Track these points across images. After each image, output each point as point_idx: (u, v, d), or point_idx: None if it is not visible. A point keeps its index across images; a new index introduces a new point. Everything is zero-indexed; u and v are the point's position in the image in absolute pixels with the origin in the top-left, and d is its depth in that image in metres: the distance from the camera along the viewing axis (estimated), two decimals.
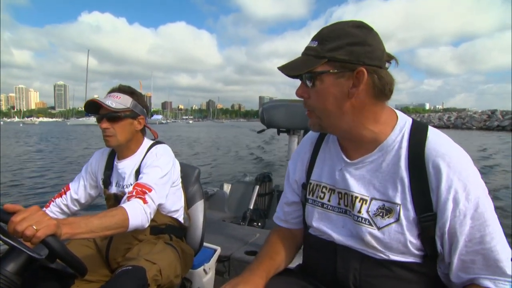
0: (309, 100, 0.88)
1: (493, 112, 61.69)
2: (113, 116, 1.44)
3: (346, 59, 0.79)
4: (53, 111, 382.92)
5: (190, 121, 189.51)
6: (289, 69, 0.86)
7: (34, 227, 0.87)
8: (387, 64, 0.85)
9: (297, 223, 1.13)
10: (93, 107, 1.45)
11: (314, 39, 0.85)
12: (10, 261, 0.90)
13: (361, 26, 0.83)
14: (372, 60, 0.80)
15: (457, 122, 61.14)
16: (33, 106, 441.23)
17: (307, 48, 0.85)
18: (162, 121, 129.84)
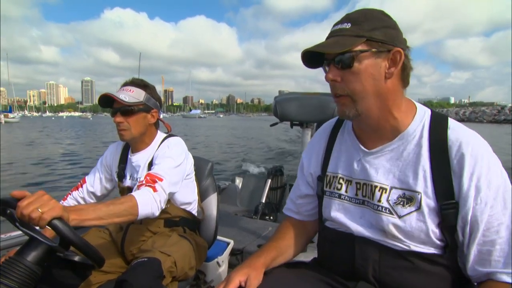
0: (341, 84, 0.83)
1: (503, 108, 71.63)
2: (127, 110, 1.42)
3: (384, 40, 0.79)
4: (81, 106, 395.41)
5: (221, 115, 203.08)
6: (325, 47, 0.81)
7: (40, 210, 0.87)
8: None
9: (310, 215, 1.11)
10: (107, 101, 1.44)
11: (343, 21, 0.82)
12: (31, 251, 0.91)
13: (386, 14, 0.84)
14: (402, 44, 0.82)
15: (471, 116, 69.96)
16: (62, 101, 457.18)
17: (339, 30, 0.82)
18: (201, 115, 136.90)
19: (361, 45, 0.79)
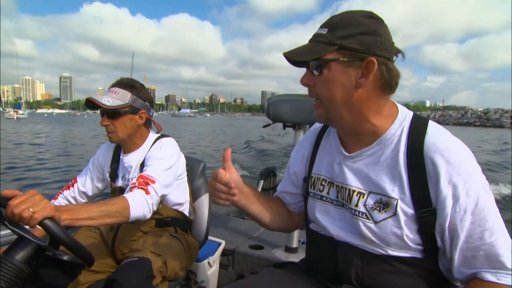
0: (314, 89, 0.84)
1: (466, 112, 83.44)
2: (112, 113, 1.41)
3: (357, 48, 0.76)
4: (59, 103, 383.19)
5: (208, 115, 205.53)
6: (297, 55, 0.82)
7: (31, 209, 0.86)
8: (394, 58, 0.82)
9: (294, 209, 1.12)
10: (94, 104, 1.40)
11: (323, 26, 0.81)
12: (19, 250, 0.89)
13: (372, 16, 0.79)
14: (382, 51, 0.77)
15: (440, 119, 78.75)
16: (39, 98, 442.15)
17: (316, 35, 0.81)
18: (190, 115, 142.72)
19: (332, 53, 0.78)
